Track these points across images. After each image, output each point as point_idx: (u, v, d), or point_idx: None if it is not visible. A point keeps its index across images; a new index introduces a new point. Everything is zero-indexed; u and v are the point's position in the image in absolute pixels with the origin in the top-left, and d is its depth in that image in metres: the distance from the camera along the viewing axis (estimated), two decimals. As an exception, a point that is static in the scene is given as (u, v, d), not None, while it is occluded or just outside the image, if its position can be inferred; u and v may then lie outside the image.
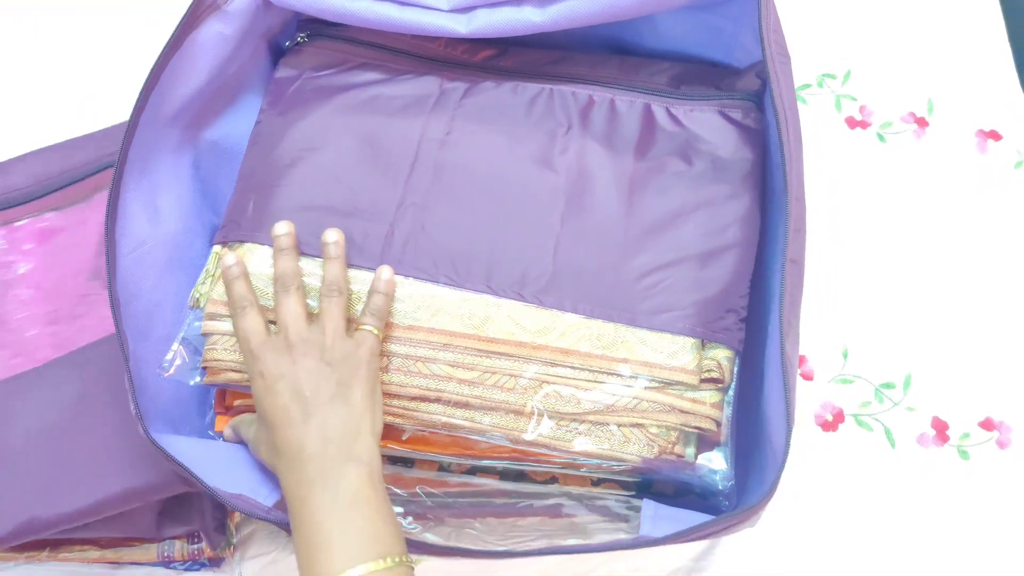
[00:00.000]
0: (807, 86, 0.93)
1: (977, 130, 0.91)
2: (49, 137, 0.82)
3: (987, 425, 0.80)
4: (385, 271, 0.64)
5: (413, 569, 0.56)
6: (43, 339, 0.73)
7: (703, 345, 0.63)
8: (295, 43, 0.75)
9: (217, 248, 0.67)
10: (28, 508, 0.67)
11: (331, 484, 0.56)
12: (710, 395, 0.62)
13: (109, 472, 0.67)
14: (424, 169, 0.68)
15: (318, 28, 0.74)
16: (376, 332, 0.62)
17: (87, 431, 0.68)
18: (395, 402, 0.63)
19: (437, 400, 0.63)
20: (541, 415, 0.62)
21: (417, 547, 0.59)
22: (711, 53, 0.74)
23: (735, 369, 0.64)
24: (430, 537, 0.70)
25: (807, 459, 0.79)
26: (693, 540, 0.58)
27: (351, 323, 0.63)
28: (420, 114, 0.71)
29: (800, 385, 0.81)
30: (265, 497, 0.62)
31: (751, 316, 0.65)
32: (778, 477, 0.56)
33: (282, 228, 0.64)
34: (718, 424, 0.62)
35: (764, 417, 0.60)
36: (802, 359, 0.82)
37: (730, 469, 0.63)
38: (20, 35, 0.97)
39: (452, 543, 0.69)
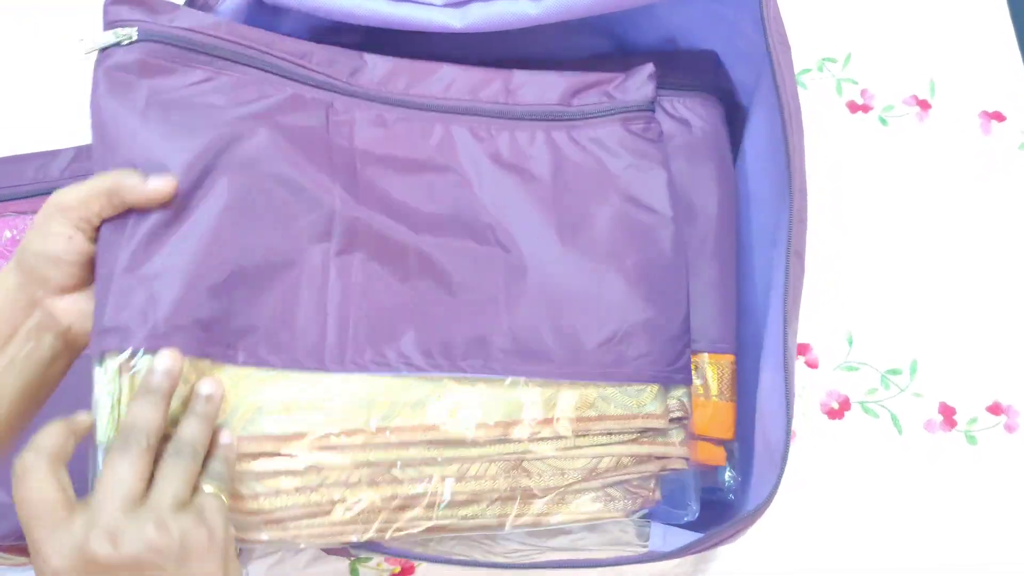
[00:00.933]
0: (807, 71, 0.92)
1: (980, 111, 0.90)
2: (49, 137, 0.82)
3: (995, 409, 0.80)
4: (225, 435, 0.52)
5: None
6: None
7: (666, 387, 0.61)
8: (114, 44, 0.58)
9: (122, 359, 0.51)
10: None
11: None
12: (677, 434, 0.61)
13: None
14: (346, 239, 0.59)
15: (147, 25, 0.58)
16: (221, 495, 0.49)
17: None
18: (376, 517, 0.57)
19: (419, 505, 0.57)
20: (529, 496, 0.59)
21: (421, 556, 0.59)
22: (711, 42, 0.73)
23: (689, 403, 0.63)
24: (434, 546, 0.69)
25: (814, 448, 0.78)
26: (699, 552, 0.58)
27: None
28: (321, 161, 0.60)
29: (805, 373, 0.81)
30: None
31: (748, 308, 0.65)
32: (777, 483, 0.56)
33: (165, 362, 0.50)
34: (687, 460, 0.61)
35: (760, 412, 0.60)
36: (807, 347, 0.82)
37: (736, 468, 0.63)
38: (20, 35, 0.97)
39: (456, 553, 0.69)
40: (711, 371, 0.66)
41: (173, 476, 0.47)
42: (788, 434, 0.56)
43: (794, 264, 0.58)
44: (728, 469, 0.65)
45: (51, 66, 0.96)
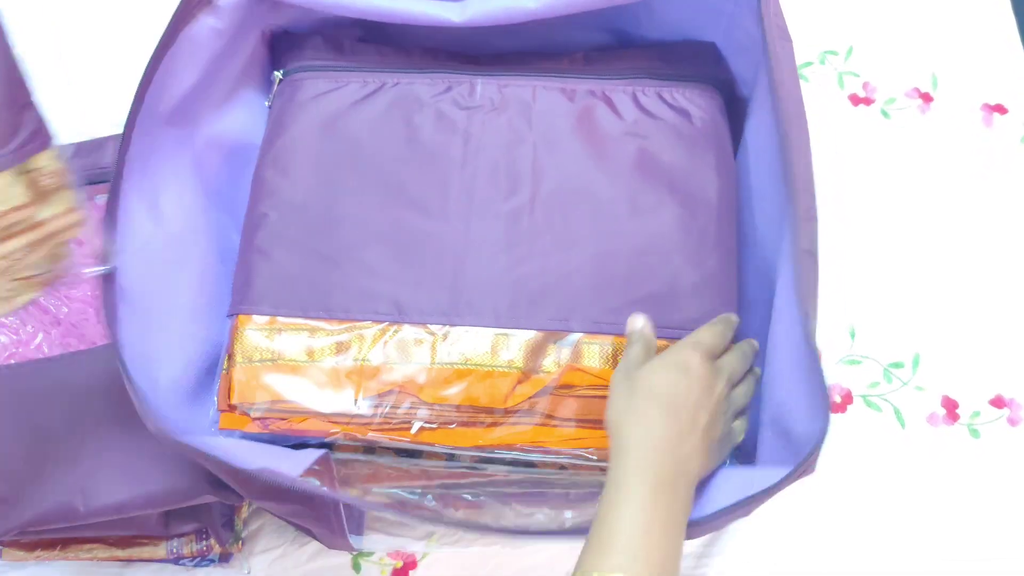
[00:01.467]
0: (809, 64, 0.92)
1: (983, 104, 0.90)
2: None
3: (997, 403, 0.80)
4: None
5: None
6: (98, 323, 0.73)
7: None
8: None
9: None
10: (65, 494, 0.66)
11: (671, 499, 0.55)
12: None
13: (150, 469, 0.66)
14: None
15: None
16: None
17: (129, 422, 0.67)
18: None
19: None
20: None
21: (435, 521, 0.59)
22: (710, 35, 0.73)
23: None
24: (449, 512, 0.68)
25: (816, 441, 0.78)
26: (711, 529, 0.57)
27: None
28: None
29: (807, 367, 0.81)
30: (288, 470, 0.61)
31: (754, 300, 0.64)
32: (817, 449, 0.54)
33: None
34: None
35: (773, 403, 0.60)
36: (809, 341, 0.82)
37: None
38: (15, 31, 0.97)
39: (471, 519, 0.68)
40: None
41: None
42: (824, 430, 0.53)
43: (805, 261, 0.57)
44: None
45: (49, 63, 0.96)
